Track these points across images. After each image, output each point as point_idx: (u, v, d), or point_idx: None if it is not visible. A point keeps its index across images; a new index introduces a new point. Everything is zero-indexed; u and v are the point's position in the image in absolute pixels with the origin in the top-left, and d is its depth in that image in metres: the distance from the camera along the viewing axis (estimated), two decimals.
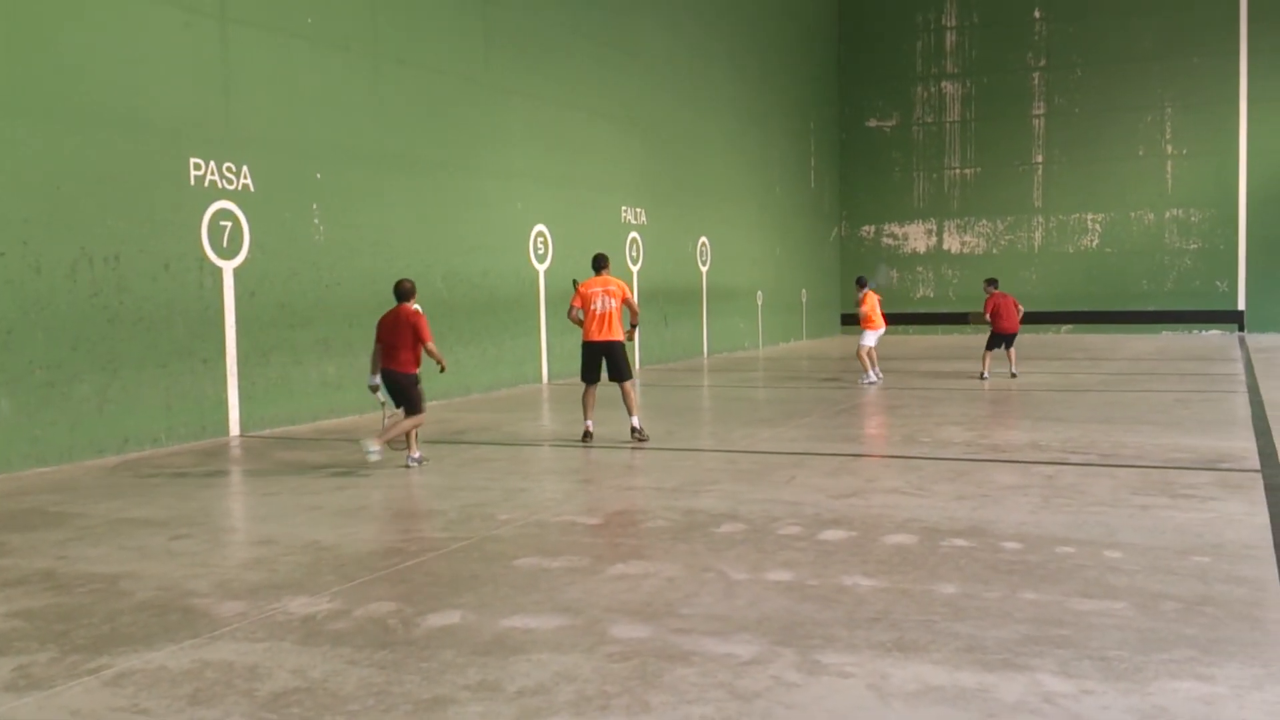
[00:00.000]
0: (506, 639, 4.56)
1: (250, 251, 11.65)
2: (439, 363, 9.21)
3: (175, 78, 10.90)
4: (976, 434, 10.56)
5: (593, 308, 10.53)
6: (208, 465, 9.66)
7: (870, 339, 16.58)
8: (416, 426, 9.22)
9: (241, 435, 11.45)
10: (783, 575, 5.49)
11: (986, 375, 16.81)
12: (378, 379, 9.22)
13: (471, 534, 6.58)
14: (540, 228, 16.95)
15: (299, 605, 5.13)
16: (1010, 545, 6.06)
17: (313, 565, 5.90)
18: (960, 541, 6.16)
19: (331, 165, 12.77)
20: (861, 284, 17.14)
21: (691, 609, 4.94)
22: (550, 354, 17.25)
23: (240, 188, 11.55)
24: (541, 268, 17.01)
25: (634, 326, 10.82)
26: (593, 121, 18.56)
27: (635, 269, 19.95)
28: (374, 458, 8.74)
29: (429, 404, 10.33)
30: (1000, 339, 17.00)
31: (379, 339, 9.19)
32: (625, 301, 10.59)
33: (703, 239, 22.84)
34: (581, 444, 10.43)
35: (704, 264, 22.89)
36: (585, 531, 6.61)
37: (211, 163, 11.23)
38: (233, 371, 11.43)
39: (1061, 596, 5.05)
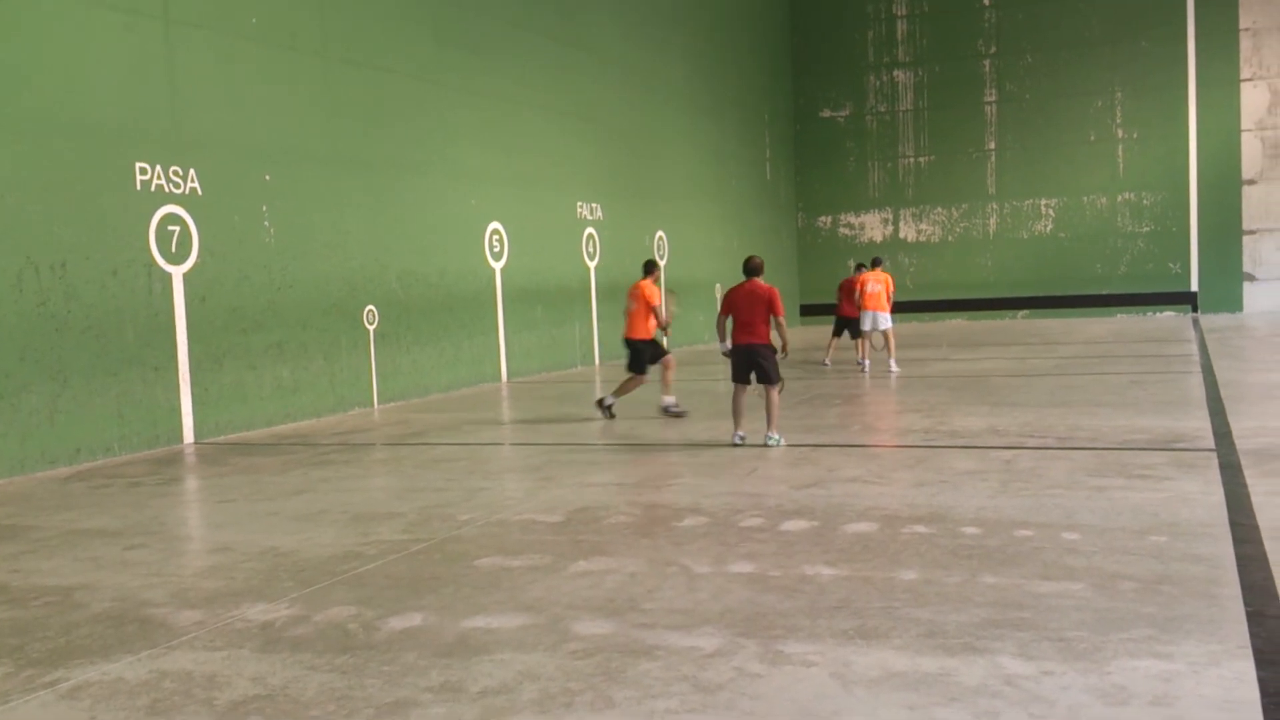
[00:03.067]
0: (469, 639, 4.52)
1: (200, 256, 11.51)
2: (784, 341, 9.52)
3: (119, 81, 10.74)
4: (935, 420, 10.63)
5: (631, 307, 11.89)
6: (162, 473, 9.53)
7: (872, 321, 16.51)
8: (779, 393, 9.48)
9: (196, 442, 11.32)
10: (745, 567, 5.49)
11: (828, 364, 17.28)
12: (728, 345, 9.60)
13: (432, 535, 6.53)
14: (495, 225, 16.88)
15: (257, 612, 5.06)
16: (970, 530, 6.09)
17: (270, 571, 5.83)
18: (920, 528, 6.18)
19: (281, 166, 12.64)
20: (865, 266, 17.04)
21: (654, 603, 4.93)
22: (509, 352, 17.19)
23: (188, 191, 11.40)
24: (498, 266, 16.94)
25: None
26: (546, 118, 18.50)
27: (593, 264, 19.91)
28: (779, 443, 9.26)
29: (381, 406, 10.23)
30: (843, 325, 17.27)
31: (732, 314, 9.52)
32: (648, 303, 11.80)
33: (660, 233, 22.84)
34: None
35: (662, 257, 22.89)
36: (547, 529, 6.58)
37: (158, 166, 11.08)
38: (185, 378, 11.29)
39: (1021, 579, 5.08)
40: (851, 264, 17.96)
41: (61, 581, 5.80)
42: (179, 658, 4.47)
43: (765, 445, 9.31)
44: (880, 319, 16.36)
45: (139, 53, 10.98)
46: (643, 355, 11.76)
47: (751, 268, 9.64)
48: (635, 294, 11.85)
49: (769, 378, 9.37)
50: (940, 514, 6.53)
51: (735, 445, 9.43)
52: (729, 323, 9.56)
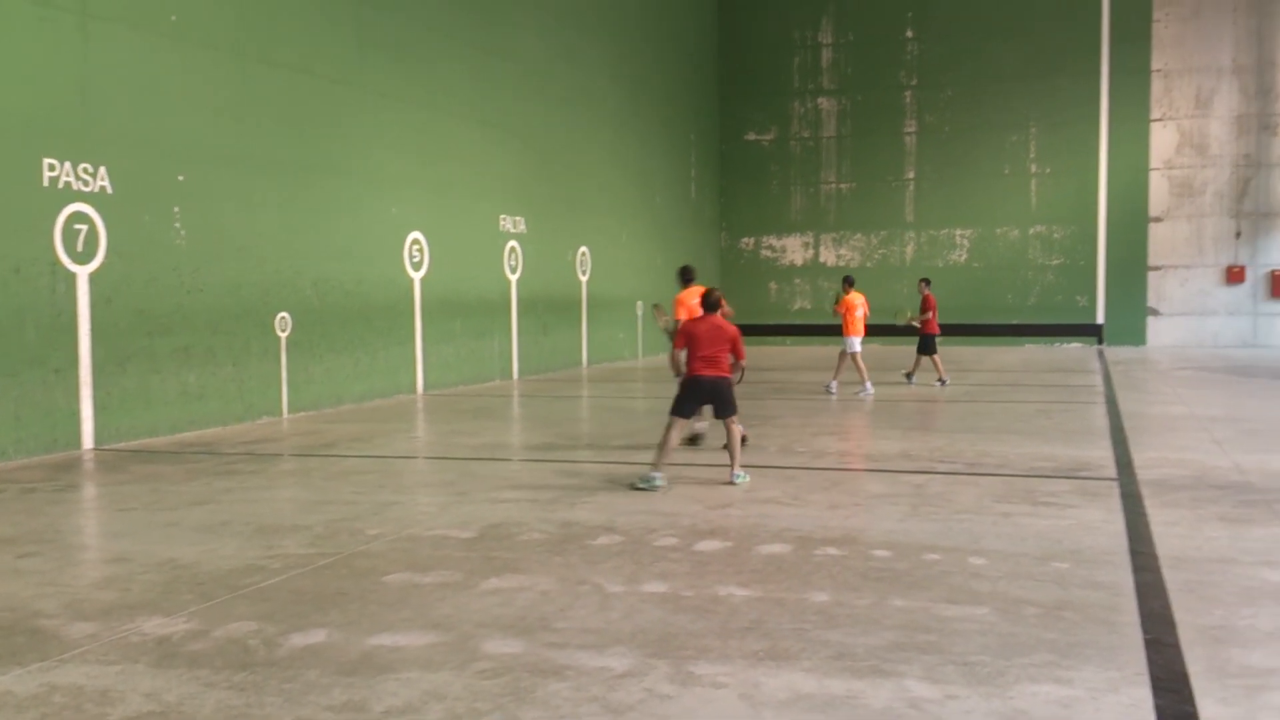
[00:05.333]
0: (374, 657, 4.44)
1: (107, 256, 11.20)
2: (741, 371, 9.12)
3: (29, 74, 10.42)
4: (851, 444, 10.73)
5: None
6: (59, 479, 9.23)
7: (856, 344, 16.55)
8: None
9: (96, 448, 11.00)
10: (658, 587, 5.47)
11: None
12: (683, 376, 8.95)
13: (339, 549, 6.41)
14: (416, 235, 16.71)
15: (154, 626, 4.92)
16: (880, 553, 6.15)
17: (169, 584, 5.67)
18: (832, 550, 6.23)
19: (195, 167, 12.37)
20: (850, 283, 17.17)
21: (566, 622, 4.88)
22: (426, 364, 17.01)
23: (97, 189, 11.10)
24: (417, 275, 16.77)
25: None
26: (469, 128, 18.39)
27: (514, 278, 19.81)
28: (661, 484, 8.40)
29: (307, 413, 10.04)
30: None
31: (691, 346, 8.82)
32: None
33: (583, 248, 22.82)
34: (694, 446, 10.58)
35: (584, 273, 22.87)
36: (458, 545, 6.50)
37: (67, 163, 10.77)
38: (87, 381, 10.96)
39: (928, 603, 5.13)
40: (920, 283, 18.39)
41: None
42: (70, 671, 4.33)
43: (732, 484, 8.51)
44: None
45: (52, 45, 10.68)
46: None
47: (712, 303, 9.06)
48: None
49: (730, 409, 8.84)
50: (852, 536, 6.59)
51: (644, 490, 8.32)
52: (683, 355, 8.94)
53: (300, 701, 3.96)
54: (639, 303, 25.70)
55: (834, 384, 16.57)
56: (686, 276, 11.21)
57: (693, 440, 10.65)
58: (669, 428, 8.70)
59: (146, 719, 3.82)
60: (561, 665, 4.32)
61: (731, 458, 8.76)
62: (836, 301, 16.87)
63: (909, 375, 18.00)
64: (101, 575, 5.94)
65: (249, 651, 4.53)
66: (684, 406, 8.84)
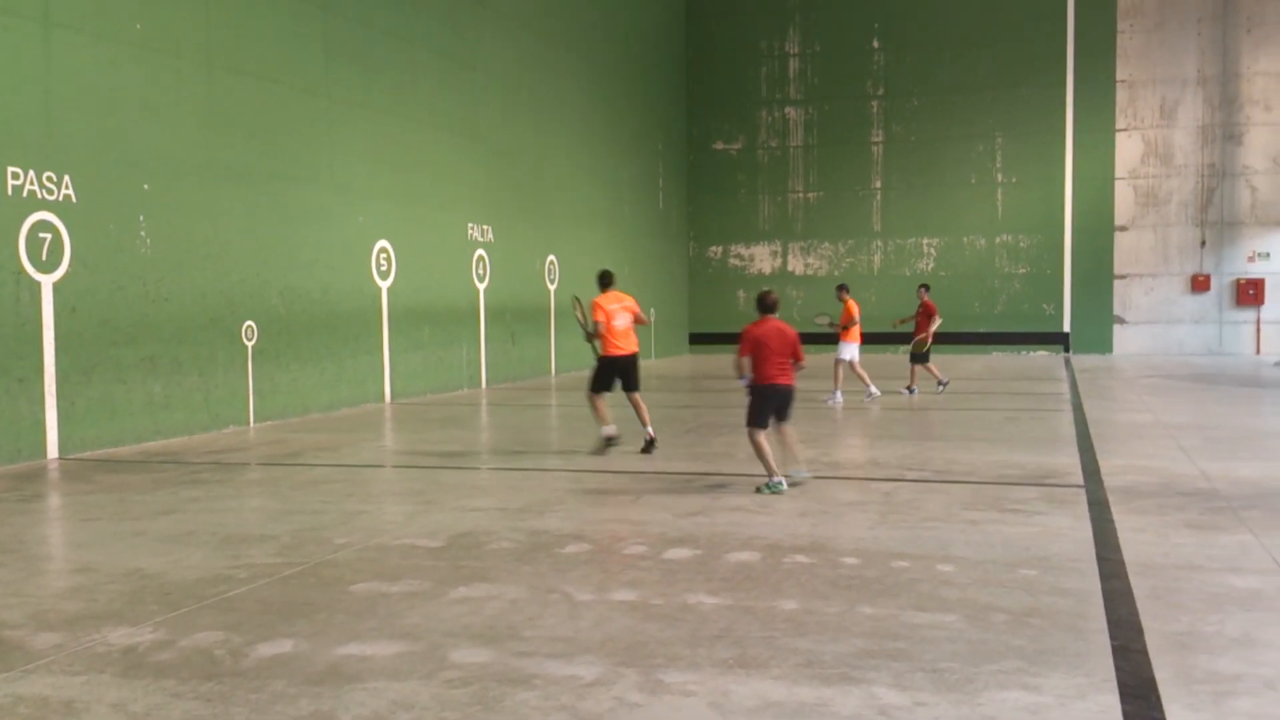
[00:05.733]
0: (341, 667, 4.40)
1: (71, 265, 11.09)
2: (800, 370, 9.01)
3: None
4: (819, 451, 10.76)
5: (615, 323, 10.93)
6: (23, 489, 9.12)
7: (853, 352, 16.53)
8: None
9: (60, 458, 10.87)
10: (627, 595, 5.46)
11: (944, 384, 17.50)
12: (748, 379, 8.81)
13: (306, 559, 6.36)
14: (383, 243, 16.64)
15: (120, 636, 4.86)
16: (849, 560, 6.16)
17: (135, 594, 5.61)
18: (801, 558, 6.24)
19: (160, 176, 12.27)
20: (845, 290, 17.27)
21: (535, 631, 4.87)
22: (394, 373, 16.93)
23: (61, 198, 10.99)
24: (384, 284, 16.70)
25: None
26: (437, 137, 18.35)
27: (482, 286, 19.77)
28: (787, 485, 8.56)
29: (266, 423, 9.96)
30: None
31: (760, 352, 8.65)
32: (635, 315, 11.03)
33: (551, 257, 22.79)
34: (604, 450, 10.63)
35: (552, 282, 22.84)
36: (427, 555, 6.46)
37: (31, 172, 10.66)
38: (51, 391, 10.84)
39: (897, 610, 5.15)
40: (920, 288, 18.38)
41: None
42: (35, 682, 4.28)
43: (799, 483, 8.71)
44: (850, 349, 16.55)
45: (15, 54, 10.57)
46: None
47: (772, 304, 8.94)
48: (629, 306, 11.02)
49: (789, 415, 8.92)
50: (821, 544, 6.60)
51: (773, 493, 8.44)
52: (748, 361, 8.76)
53: (267, 712, 3.92)
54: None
55: (839, 395, 16.41)
56: (605, 281, 11.25)
57: (610, 443, 10.72)
58: (755, 439, 8.69)
59: None
60: (530, 674, 4.30)
61: (795, 456, 8.96)
62: (833, 320, 16.93)
63: (910, 388, 17.65)
64: (67, 585, 5.87)
65: (216, 662, 4.49)
66: (763, 417, 8.74)
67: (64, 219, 11.01)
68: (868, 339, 18.39)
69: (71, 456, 10.98)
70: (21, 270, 10.54)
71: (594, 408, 10.91)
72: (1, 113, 10.40)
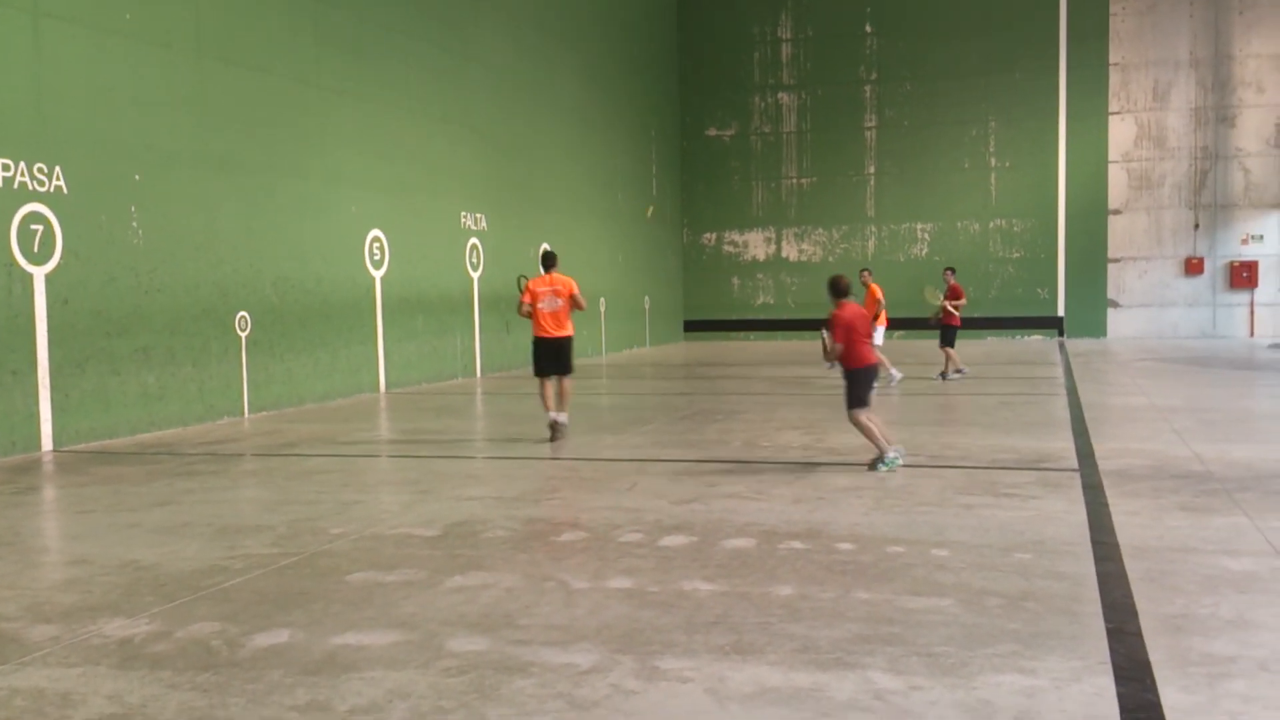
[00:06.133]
0: (338, 657, 4.41)
1: (63, 257, 11.06)
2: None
3: None
4: (813, 438, 10.77)
5: (541, 305, 10.89)
6: (17, 482, 9.10)
7: (880, 336, 16.52)
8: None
9: (55, 450, 10.85)
10: (623, 582, 5.47)
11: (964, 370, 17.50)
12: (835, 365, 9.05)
13: (302, 549, 6.36)
14: (376, 233, 16.61)
15: (115, 627, 4.86)
16: (844, 546, 6.18)
17: (130, 585, 5.61)
18: (797, 544, 6.25)
19: (151, 167, 12.23)
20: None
21: (531, 619, 4.87)
22: (388, 362, 16.92)
23: (52, 189, 10.96)
24: (378, 274, 16.67)
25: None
26: (429, 126, 18.30)
27: (476, 275, 19.74)
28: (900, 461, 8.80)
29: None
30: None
31: (853, 334, 8.80)
32: (572, 297, 10.95)
33: (545, 245, 22.76)
34: (551, 439, 10.67)
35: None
36: (422, 544, 6.47)
37: (21, 163, 10.62)
38: (45, 383, 10.82)
39: (892, 595, 5.16)
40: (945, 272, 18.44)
41: None
42: (32, 674, 4.28)
43: (888, 467, 8.79)
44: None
45: (4, 45, 10.52)
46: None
47: (846, 287, 9.01)
48: (560, 290, 11.00)
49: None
50: (816, 530, 6.61)
51: (889, 468, 8.71)
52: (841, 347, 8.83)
53: (264, 702, 3.93)
54: (601, 299, 25.62)
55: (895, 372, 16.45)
56: (544, 262, 11.17)
57: (555, 429, 10.79)
58: (860, 420, 8.83)
59: None
60: (526, 662, 4.31)
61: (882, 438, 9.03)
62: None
63: (944, 374, 17.39)
64: (62, 577, 5.87)
65: (212, 652, 4.49)
66: (865, 397, 8.91)
67: (55, 210, 10.98)
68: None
69: (66, 448, 10.97)
70: (13, 262, 10.51)
71: (540, 393, 11.00)
72: None
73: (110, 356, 11.62)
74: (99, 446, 11.15)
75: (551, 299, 10.94)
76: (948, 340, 17.54)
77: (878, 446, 8.83)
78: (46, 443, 10.85)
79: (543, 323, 10.97)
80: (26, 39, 10.76)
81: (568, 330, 11.05)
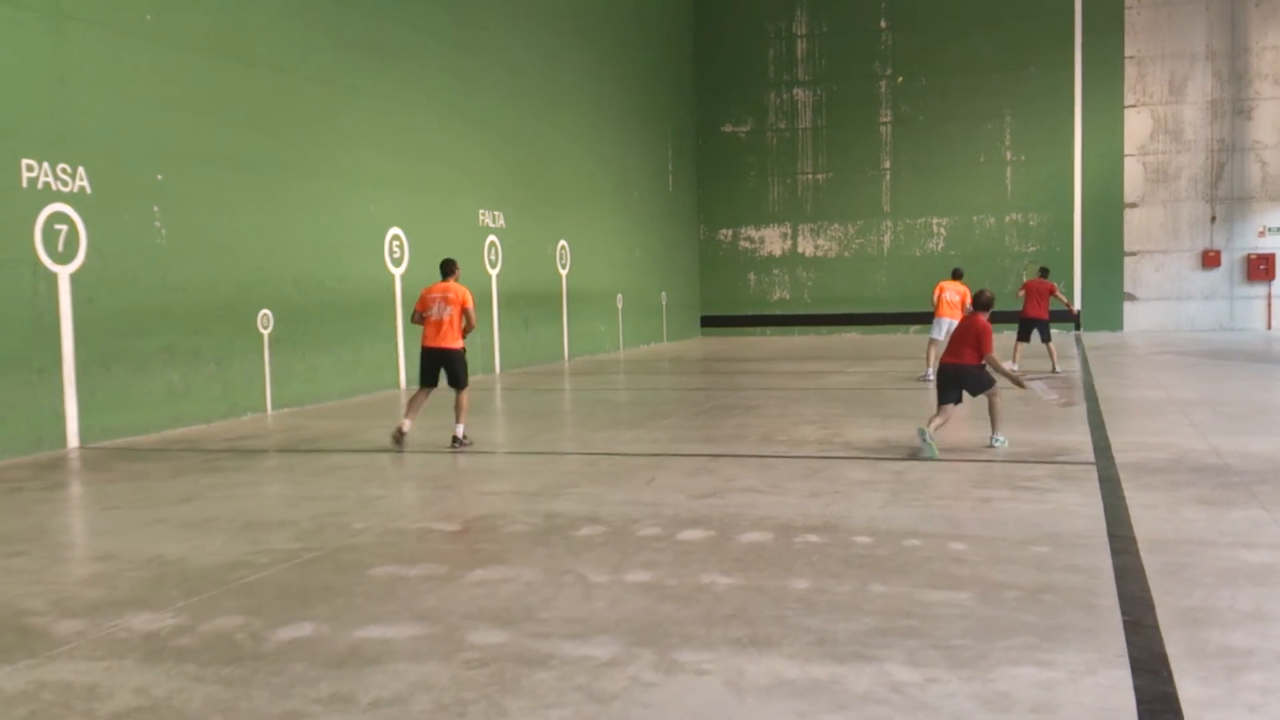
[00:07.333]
0: (361, 650, 4.47)
1: (88, 256, 11.17)
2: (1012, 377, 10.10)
3: (4, 75, 10.38)
4: (830, 432, 10.80)
5: (429, 313, 10.40)
6: (44, 479, 9.22)
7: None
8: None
9: (81, 447, 10.97)
10: (642, 576, 5.52)
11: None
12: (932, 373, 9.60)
13: (325, 544, 6.43)
14: (395, 231, 16.70)
15: (141, 622, 4.94)
16: (861, 540, 6.21)
17: (156, 580, 5.69)
18: (813, 537, 6.29)
19: (174, 166, 12.34)
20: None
21: (550, 612, 4.93)
22: (408, 359, 17.00)
23: (76, 189, 11.07)
24: (398, 271, 16.76)
25: (464, 334, 10.57)
26: (447, 124, 18.37)
27: (494, 272, 19.82)
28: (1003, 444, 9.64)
29: None
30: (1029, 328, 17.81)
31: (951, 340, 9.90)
32: (464, 309, 10.40)
33: (562, 242, 22.83)
34: (394, 446, 10.31)
35: (564, 267, 22.89)
36: (443, 538, 6.53)
37: (45, 164, 10.73)
38: (70, 381, 10.94)
39: (909, 588, 5.19)
40: (1033, 266, 18.74)
41: None
42: (59, 668, 4.34)
43: (992, 446, 9.67)
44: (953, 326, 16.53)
45: (27, 46, 10.63)
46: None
47: (985, 301, 10.04)
48: (451, 299, 10.44)
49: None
50: (833, 524, 6.65)
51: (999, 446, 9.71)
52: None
53: (288, 694, 3.99)
54: (619, 295, 25.66)
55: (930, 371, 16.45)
56: (442, 270, 10.73)
57: (397, 437, 10.36)
58: (944, 416, 9.70)
59: (135, 714, 3.84)
60: (546, 654, 4.36)
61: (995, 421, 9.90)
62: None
63: (1055, 370, 17.50)
64: (88, 573, 5.95)
65: (236, 645, 4.56)
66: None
67: (79, 210, 11.09)
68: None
69: (92, 445, 11.09)
70: (39, 262, 10.63)
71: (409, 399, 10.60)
72: (15, 106, 10.47)
73: (135, 355, 11.73)
74: (124, 443, 11.26)
75: (440, 306, 10.35)
76: (1045, 335, 17.80)
77: (998, 426, 9.90)
78: (73, 440, 10.97)
79: (428, 331, 10.41)
80: (48, 41, 10.87)
81: (454, 342, 10.39)
